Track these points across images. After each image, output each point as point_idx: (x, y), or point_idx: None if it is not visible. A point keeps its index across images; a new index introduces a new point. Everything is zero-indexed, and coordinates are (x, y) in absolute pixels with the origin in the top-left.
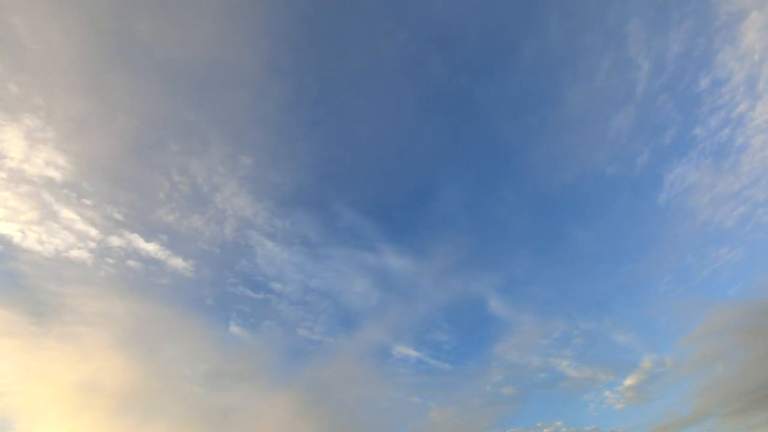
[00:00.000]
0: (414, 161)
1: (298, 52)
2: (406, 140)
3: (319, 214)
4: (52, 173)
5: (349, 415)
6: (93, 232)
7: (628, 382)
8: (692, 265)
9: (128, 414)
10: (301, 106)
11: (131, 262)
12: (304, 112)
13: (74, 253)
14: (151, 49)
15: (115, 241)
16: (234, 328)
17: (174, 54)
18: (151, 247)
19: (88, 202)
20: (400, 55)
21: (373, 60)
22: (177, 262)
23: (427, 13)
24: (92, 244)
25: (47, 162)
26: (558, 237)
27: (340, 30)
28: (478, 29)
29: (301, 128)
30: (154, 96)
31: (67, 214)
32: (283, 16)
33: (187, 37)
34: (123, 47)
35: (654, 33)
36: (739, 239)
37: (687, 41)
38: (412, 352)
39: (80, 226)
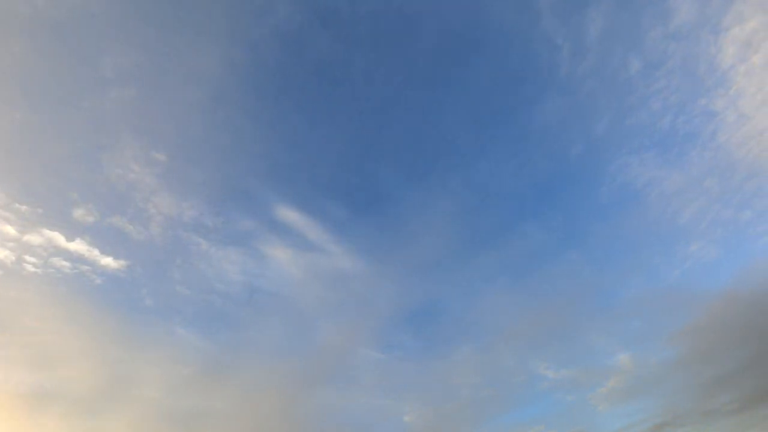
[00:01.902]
0: (369, 164)
1: (254, 49)
2: (362, 143)
3: (257, 213)
4: None
5: (318, 419)
6: (9, 230)
7: (611, 383)
8: (662, 265)
9: (80, 420)
10: (246, 105)
11: (57, 261)
12: (248, 110)
13: None
14: (69, 40)
15: (34, 239)
16: (180, 330)
17: (88, 45)
18: (74, 246)
19: None
20: (361, 58)
21: (331, 60)
22: (108, 262)
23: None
24: (11, 244)
25: None
26: (519, 237)
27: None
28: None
29: (247, 126)
30: (58, 88)
31: None
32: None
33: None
34: (25, 30)
35: (571, 8)
36: (704, 236)
37: (609, 17)
38: (378, 354)
39: None
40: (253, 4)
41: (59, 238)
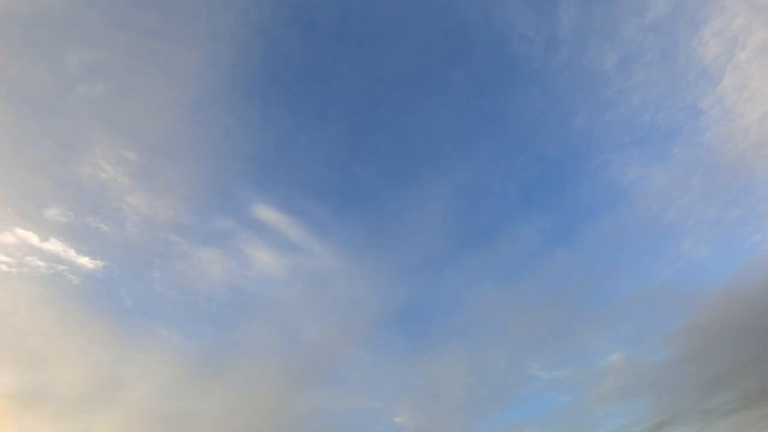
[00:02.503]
0: (355, 164)
1: (239, 48)
2: (349, 143)
3: (239, 213)
4: None
5: (308, 422)
6: None
7: (606, 383)
8: (652, 264)
9: (65, 423)
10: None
11: (31, 260)
12: (234, 110)
13: None
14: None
15: (6, 238)
16: (164, 332)
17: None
18: (49, 246)
19: None
20: (348, 58)
21: (319, 60)
22: (84, 262)
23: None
24: None
25: None
26: (507, 237)
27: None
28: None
29: (231, 125)
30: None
31: None
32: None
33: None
34: None
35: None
36: (692, 235)
37: (582, 9)
38: (367, 355)
39: None
40: (237, 3)
41: (33, 238)
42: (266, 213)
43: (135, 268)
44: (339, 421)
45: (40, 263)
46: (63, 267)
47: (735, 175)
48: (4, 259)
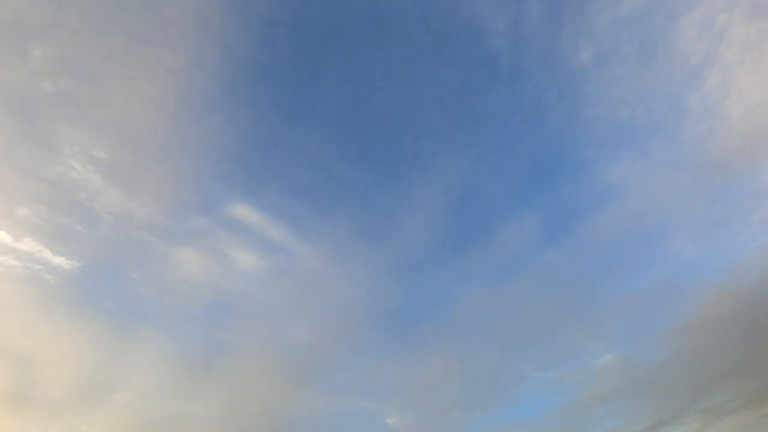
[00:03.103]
0: (343, 165)
1: (227, 46)
2: (337, 142)
3: (222, 213)
4: None
5: (298, 424)
6: None
7: (603, 383)
8: (642, 264)
9: (52, 424)
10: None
11: (6, 260)
12: (220, 108)
13: None
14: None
15: None
16: (145, 332)
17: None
18: (23, 246)
19: None
20: (337, 57)
21: (307, 59)
22: (60, 262)
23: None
24: None
25: None
26: (498, 238)
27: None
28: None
29: (216, 123)
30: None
31: None
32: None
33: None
34: None
35: None
36: (679, 234)
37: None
38: (357, 356)
39: None
40: (224, 2)
41: (6, 237)
42: (249, 213)
43: (113, 269)
44: (330, 423)
45: (15, 263)
46: (39, 267)
47: (720, 174)
48: None
